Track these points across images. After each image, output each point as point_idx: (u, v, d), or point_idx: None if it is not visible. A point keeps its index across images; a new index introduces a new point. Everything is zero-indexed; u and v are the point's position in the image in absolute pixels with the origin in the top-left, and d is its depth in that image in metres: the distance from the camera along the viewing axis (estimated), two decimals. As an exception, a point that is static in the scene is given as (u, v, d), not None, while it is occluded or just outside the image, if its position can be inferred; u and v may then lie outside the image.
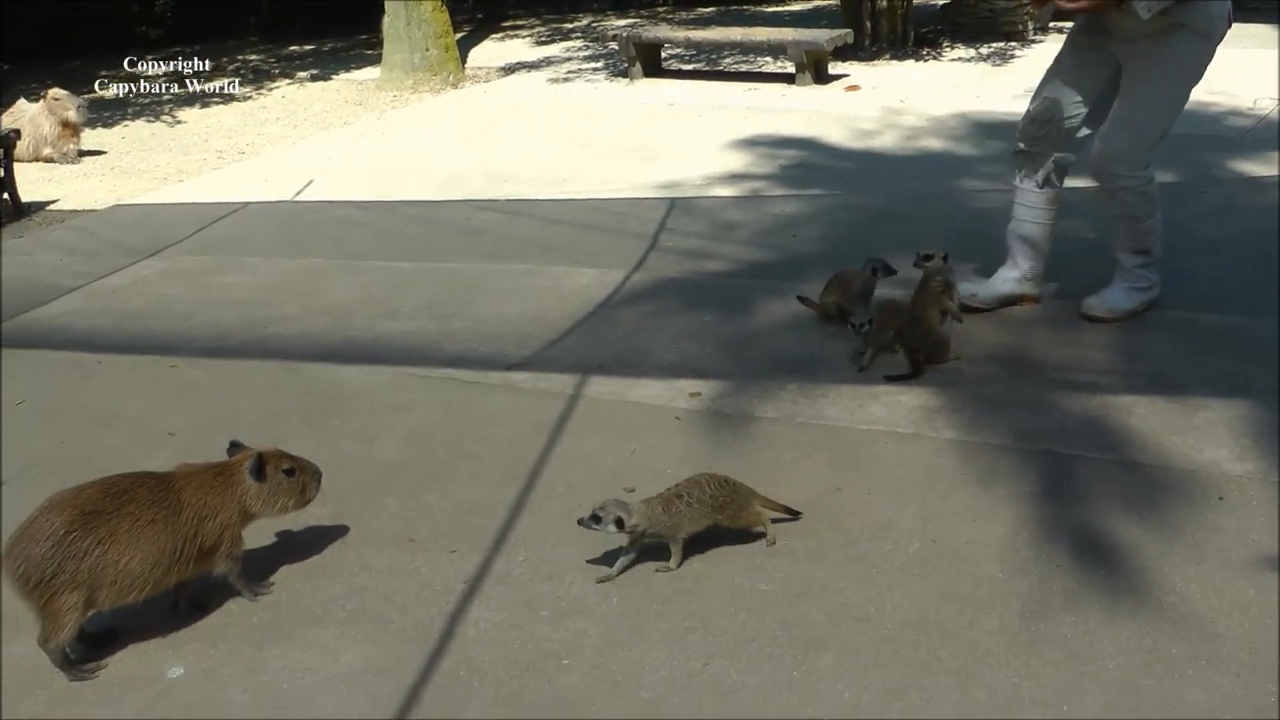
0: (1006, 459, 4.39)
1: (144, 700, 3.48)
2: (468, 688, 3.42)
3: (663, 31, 13.29)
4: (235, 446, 3.94)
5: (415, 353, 5.94)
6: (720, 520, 3.87)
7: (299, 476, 3.92)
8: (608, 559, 3.90)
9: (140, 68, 14.86)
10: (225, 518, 3.74)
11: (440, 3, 14.73)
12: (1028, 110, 5.61)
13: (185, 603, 3.87)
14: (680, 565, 3.86)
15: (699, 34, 13.20)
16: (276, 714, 3.37)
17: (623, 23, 16.79)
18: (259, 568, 4.04)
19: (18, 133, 10.48)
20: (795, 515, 4.05)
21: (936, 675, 3.29)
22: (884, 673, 3.32)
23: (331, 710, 3.37)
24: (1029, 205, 5.66)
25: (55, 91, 11.81)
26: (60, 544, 3.42)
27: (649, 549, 3.88)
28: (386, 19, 14.79)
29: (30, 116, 11.70)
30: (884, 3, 13.38)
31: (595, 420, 5.02)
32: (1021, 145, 5.63)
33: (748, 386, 5.18)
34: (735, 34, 12.86)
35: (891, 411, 4.84)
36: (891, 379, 5.09)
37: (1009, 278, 5.82)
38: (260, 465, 3.81)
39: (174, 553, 3.61)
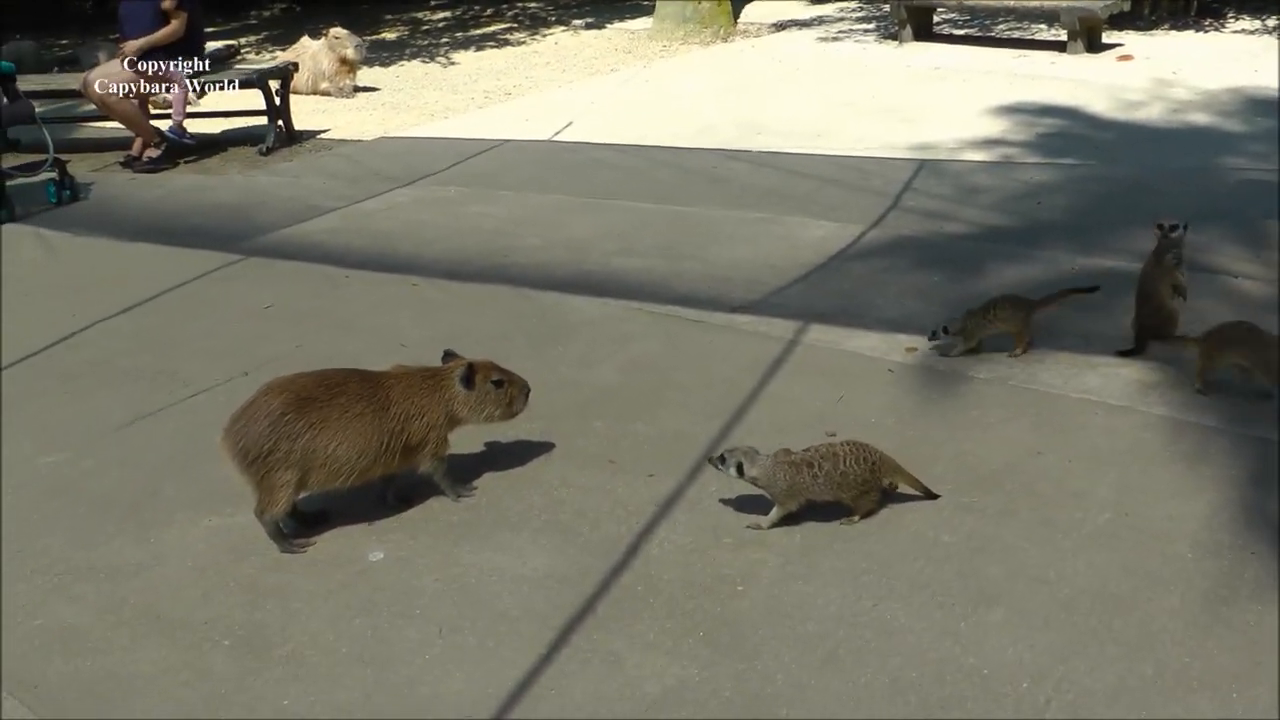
0: (1217, 441, 4.22)
1: (345, 576, 3.71)
2: (643, 603, 3.51)
3: (935, -6, 13.04)
4: (449, 355, 4.12)
5: (644, 289, 6.07)
6: (843, 498, 3.81)
7: (507, 389, 4.07)
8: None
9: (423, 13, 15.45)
10: (431, 419, 3.92)
11: (715, -44, 14.80)
12: None
13: (392, 495, 4.09)
14: (772, 527, 3.83)
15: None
16: (463, 605, 3.54)
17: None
18: (464, 472, 4.23)
19: (296, 66, 11.03)
20: (933, 496, 3.95)
21: (1105, 645, 3.22)
22: (1052, 635, 3.27)
23: (512, 608, 3.51)
24: None
25: (336, 30, 12.39)
26: (277, 423, 3.66)
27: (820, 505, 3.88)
28: (662, -30, 14.97)
29: (311, 52, 12.35)
30: (1167, -29, 12.82)
31: (809, 366, 5.04)
32: None
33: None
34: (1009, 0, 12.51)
35: (1107, 382, 4.71)
36: (1121, 353, 4.96)
37: None
38: (470, 374, 3.97)
39: (380, 446, 3.81)
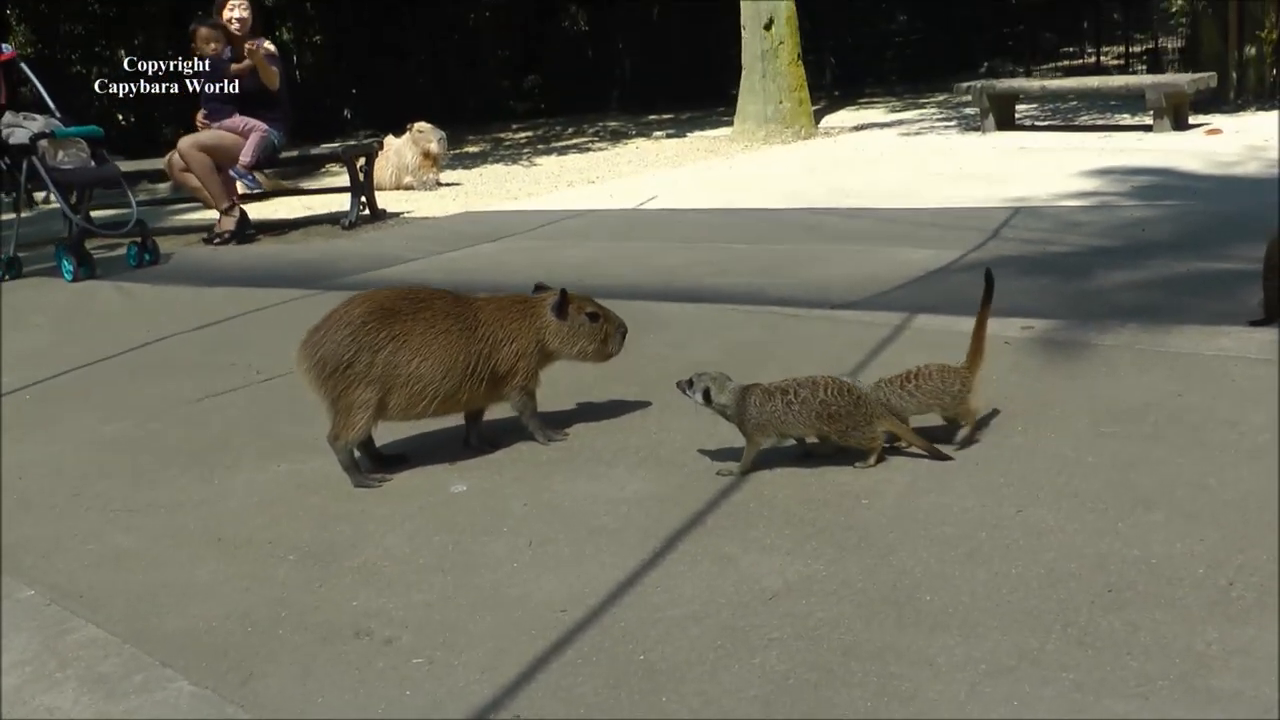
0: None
1: (423, 504, 3.38)
2: (757, 515, 3.16)
3: (1017, 82, 12.92)
4: (540, 288, 3.84)
5: (740, 296, 5.79)
6: (827, 432, 3.37)
7: (602, 324, 3.78)
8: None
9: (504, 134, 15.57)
10: (521, 346, 3.63)
11: (796, 59, 14.77)
12: None
13: (475, 437, 3.77)
14: (746, 473, 3.41)
15: (1054, 83, 12.76)
16: (554, 522, 3.19)
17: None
18: (556, 421, 3.92)
19: (381, 143, 10.99)
20: (944, 458, 3.43)
21: (1283, 542, 2.82)
22: (1223, 530, 2.87)
23: (611, 523, 3.17)
24: None
25: (419, 125, 12.35)
26: (358, 332, 3.39)
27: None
28: (744, 73, 14.94)
29: (395, 147, 12.27)
30: (1252, 51, 12.49)
31: (917, 343, 4.69)
32: None
33: (1085, 324, 4.76)
34: (1091, 81, 12.35)
35: (1243, 344, 4.29)
36: (1252, 323, 4.58)
37: None
38: (563, 302, 3.69)
39: (465, 368, 3.51)
